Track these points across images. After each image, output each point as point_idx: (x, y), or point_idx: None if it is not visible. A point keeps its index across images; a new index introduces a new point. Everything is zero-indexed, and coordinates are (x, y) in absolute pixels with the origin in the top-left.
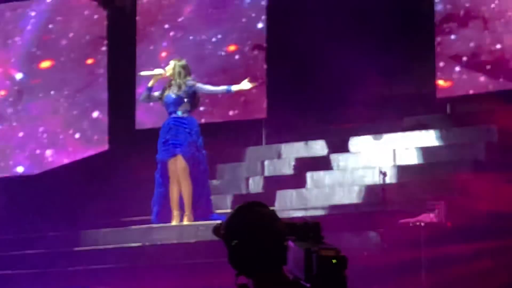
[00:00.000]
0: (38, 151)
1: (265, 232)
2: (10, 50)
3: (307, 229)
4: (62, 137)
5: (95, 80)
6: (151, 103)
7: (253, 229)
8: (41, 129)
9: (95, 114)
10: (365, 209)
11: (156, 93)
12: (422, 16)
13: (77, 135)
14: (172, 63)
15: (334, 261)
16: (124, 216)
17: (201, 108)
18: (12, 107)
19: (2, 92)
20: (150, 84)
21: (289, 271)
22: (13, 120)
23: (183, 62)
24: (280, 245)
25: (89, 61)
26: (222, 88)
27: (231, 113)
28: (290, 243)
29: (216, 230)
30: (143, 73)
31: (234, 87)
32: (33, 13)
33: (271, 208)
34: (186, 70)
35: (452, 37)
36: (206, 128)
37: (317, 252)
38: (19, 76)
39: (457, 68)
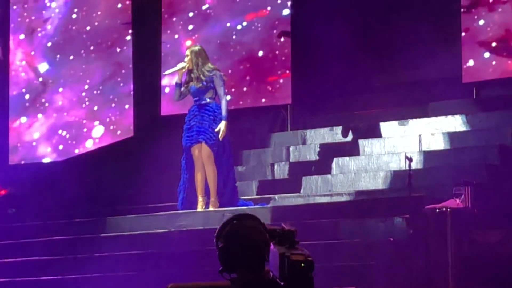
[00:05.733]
0: (63, 144)
1: (245, 240)
2: (34, 41)
3: (284, 235)
4: (88, 128)
5: (120, 70)
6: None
7: (236, 236)
8: (66, 120)
9: (121, 103)
10: (391, 194)
11: (183, 88)
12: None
13: (102, 126)
14: (188, 52)
15: (302, 265)
16: (150, 203)
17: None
18: (36, 99)
19: (25, 86)
20: (178, 79)
21: (270, 269)
22: (38, 112)
23: (197, 48)
24: (256, 251)
25: (114, 50)
26: (223, 106)
27: (256, 99)
28: (272, 246)
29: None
30: (167, 71)
31: (224, 121)
32: (55, 3)
33: (296, 194)
34: (202, 56)
35: (479, 21)
36: (231, 114)
37: (288, 257)
38: (43, 67)
39: (483, 52)
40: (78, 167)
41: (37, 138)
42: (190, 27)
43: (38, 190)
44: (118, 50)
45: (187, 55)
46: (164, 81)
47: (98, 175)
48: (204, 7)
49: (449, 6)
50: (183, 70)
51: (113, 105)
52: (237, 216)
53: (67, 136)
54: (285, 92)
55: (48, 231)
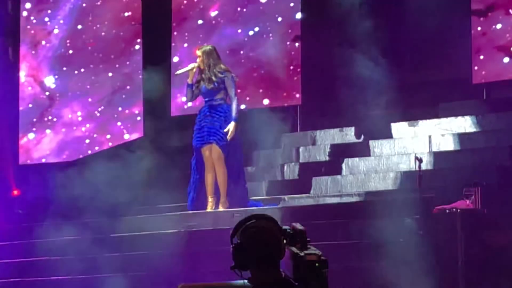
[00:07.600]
0: (73, 159)
1: (260, 239)
2: (39, 54)
3: (295, 235)
4: (98, 142)
5: (129, 80)
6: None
7: (251, 235)
8: (75, 135)
9: (131, 116)
10: (401, 195)
11: (194, 88)
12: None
13: (113, 139)
14: (199, 53)
15: (317, 264)
16: (160, 203)
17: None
18: (44, 114)
19: (31, 101)
20: (189, 80)
21: (283, 269)
22: (46, 128)
23: (208, 48)
24: (270, 251)
25: (122, 61)
26: (233, 108)
27: (266, 99)
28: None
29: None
30: (178, 71)
31: (233, 122)
32: (60, 14)
33: (305, 194)
34: (214, 57)
35: (488, 21)
36: (241, 115)
37: (303, 257)
38: (49, 80)
39: (493, 53)
40: (87, 167)
41: (47, 155)
42: (199, 35)
43: (50, 190)
44: (126, 60)
45: (199, 56)
46: (174, 90)
47: (108, 175)
48: (213, 14)
49: (461, 7)
50: (194, 70)
51: (121, 119)
52: (254, 215)
53: (77, 151)
54: (295, 93)
55: (58, 231)
